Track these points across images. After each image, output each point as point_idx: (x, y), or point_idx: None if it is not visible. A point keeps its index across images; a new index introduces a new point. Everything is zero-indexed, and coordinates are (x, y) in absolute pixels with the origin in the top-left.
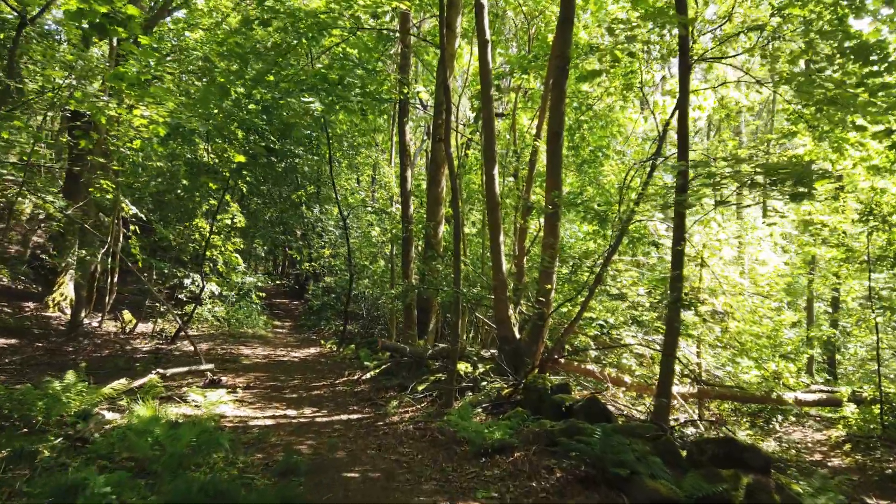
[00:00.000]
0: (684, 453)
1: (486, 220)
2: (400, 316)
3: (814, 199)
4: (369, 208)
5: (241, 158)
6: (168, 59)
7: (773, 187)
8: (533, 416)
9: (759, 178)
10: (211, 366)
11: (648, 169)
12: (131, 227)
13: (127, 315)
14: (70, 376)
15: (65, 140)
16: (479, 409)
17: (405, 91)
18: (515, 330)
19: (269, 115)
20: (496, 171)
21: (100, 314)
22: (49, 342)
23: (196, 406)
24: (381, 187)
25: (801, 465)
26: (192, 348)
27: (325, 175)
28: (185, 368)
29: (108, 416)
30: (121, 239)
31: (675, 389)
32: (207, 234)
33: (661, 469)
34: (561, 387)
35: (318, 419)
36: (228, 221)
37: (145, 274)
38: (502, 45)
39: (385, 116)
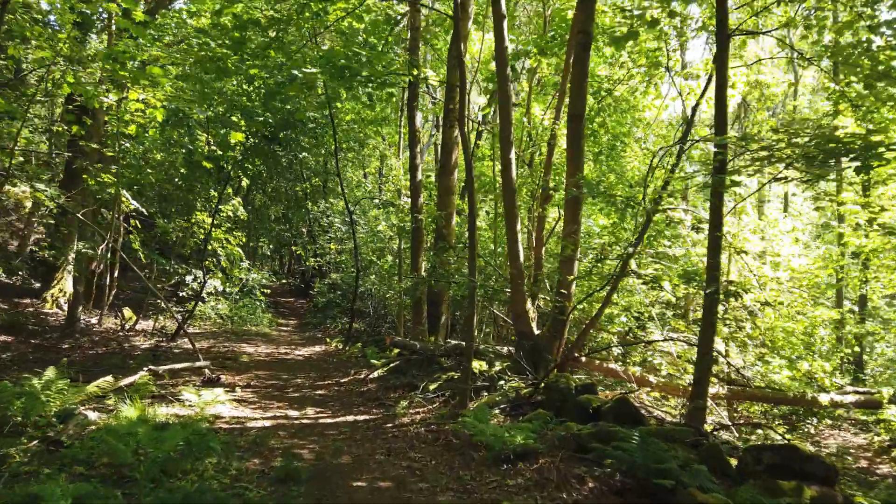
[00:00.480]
0: (733, 462)
1: (497, 211)
2: (408, 313)
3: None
4: (376, 201)
5: (240, 137)
6: (171, 50)
7: (832, 161)
8: (556, 418)
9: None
10: (207, 362)
11: (675, 153)
12: (132, 222)
13: (127, 312)
14: (50, 373)
15: (59, 129)
16: (497, 411)
17: (415, 73)
18: (534, 325)
19: (271, 99)
20: (513, 154)
21: (99, 311)
22: (44, 339)
23: (189, 406)
24: (389, 180)
25: (848, 471)
26: (197, 345)
27: (330, 168)
28: (180, 365)
29: (92, 416)
30: (121, 234)
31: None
32: (208, 228)
33: (709, 479)
34: (586, 387)
35: (321, 420)
36: (230, 213)
37: (146, 270)
38: (514, 32)
39: (393, 101)
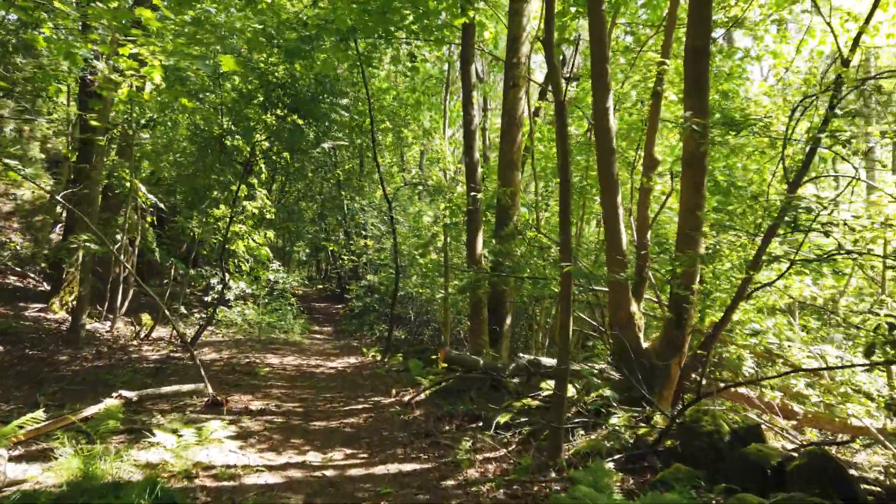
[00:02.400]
0: None
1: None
2: (457, 319)
3: None
4: (420, 187)
5: (231, 63)
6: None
7: None
8: (707, 480)
9: None
10: (202, 385)
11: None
12: (149, 219)
13: (146, 318)
14: None
15: (63, 111)
16: (610, 463)
17: (470, 14)
18: (641, 335)
19: (293, 58)
20: (610, 101)
21: (112, 316)
22: (41, 349)
23: (170, 449)
24: (434, 164)
25: None
26: (213, 356)
27: (366, 152)
28: (167, 389)
29: (15, 471)
30: (138, 231)
31: (869, 424)
32: (227, 223)
33: None
34: (750, 431)
35: (352, 471)
36: (256, 210)
37: (165, 279)
38: None
39: (436, 75)
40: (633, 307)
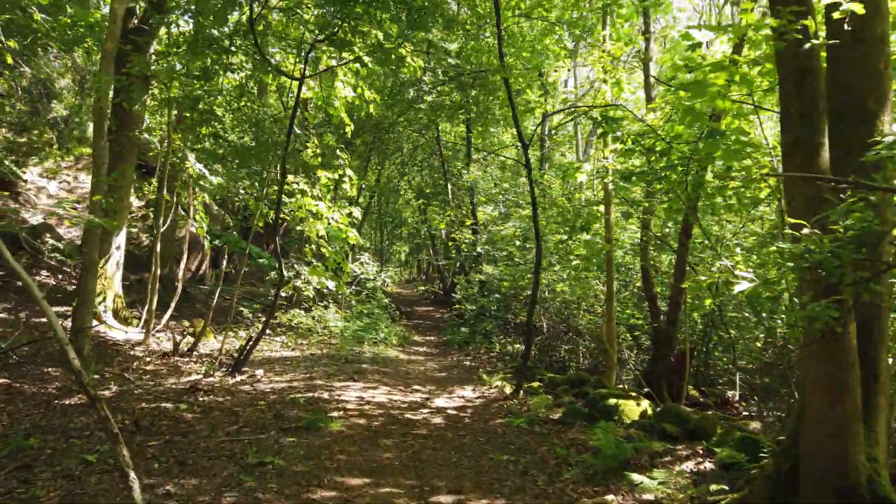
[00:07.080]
0: None
1: None
2: (612, 335)
3: None
4: (581, 119)
5: None
6: None
7: None
8: None
9: None
10: None
11: None
12: (199, 197)
13: (199, 324)
14: None
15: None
16: None
17: None
18: None
19: None
20: None
21: (147, 323)
22: (24, 371)
23: None
24: (599, 76)
25: None
26: (265, 385)
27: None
28: None
29: None
30: (192, 212)
31: None
32: (279, 185)
33: None
34: None
35: None
36: (333, 182)
37: (233, 272)
38: None
39: None
40: None
